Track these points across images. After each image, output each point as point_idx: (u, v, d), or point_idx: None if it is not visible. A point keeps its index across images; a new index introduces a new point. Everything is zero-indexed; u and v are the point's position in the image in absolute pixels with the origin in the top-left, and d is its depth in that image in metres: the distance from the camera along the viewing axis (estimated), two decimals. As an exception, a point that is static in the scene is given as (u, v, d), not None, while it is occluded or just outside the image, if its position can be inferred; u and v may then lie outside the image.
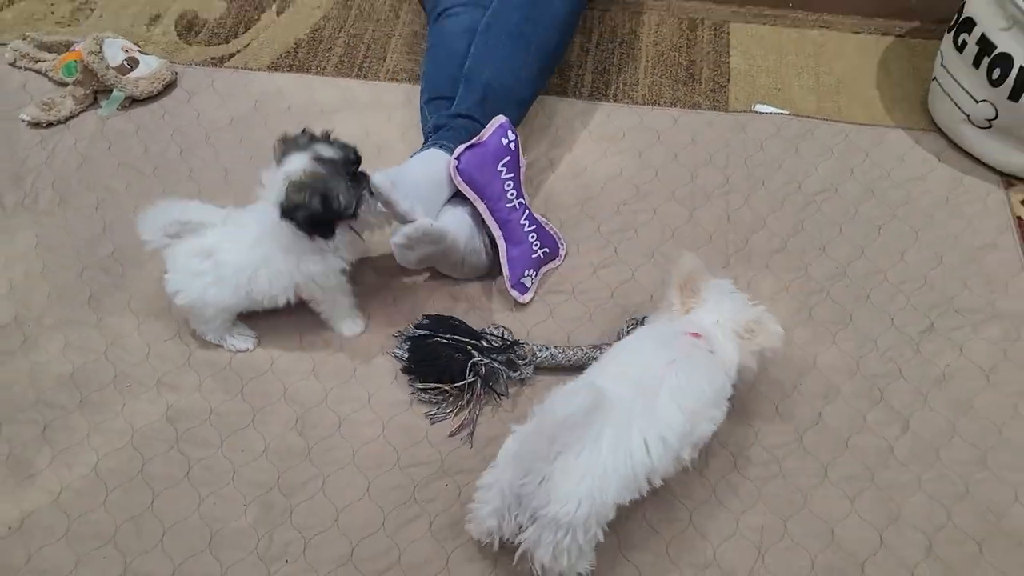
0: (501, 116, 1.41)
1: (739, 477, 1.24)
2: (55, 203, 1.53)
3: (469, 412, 1.29)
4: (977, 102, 1.56)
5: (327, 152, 1.21)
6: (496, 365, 1.28)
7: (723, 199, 1.56)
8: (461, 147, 1.38)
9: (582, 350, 1.32)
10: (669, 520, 1.20)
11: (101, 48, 1.62)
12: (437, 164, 1.38)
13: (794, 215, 1.54)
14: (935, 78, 1.66)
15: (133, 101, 1.67)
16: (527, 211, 1.43)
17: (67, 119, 1.64)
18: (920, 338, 1.39)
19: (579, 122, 1.68)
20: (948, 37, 1.62)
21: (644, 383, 1.08)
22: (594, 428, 1.01)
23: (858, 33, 1.86)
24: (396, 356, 1.34)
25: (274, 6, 1.87)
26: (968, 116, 1.59)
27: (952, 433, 1.29)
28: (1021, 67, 1.46)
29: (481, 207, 1.39)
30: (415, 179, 1.33)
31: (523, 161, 1.44)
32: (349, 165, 1.23)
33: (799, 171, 1.61)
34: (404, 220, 1.30)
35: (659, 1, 1.91)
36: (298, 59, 1.77)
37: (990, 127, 1.57)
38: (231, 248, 1.26)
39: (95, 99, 1.67)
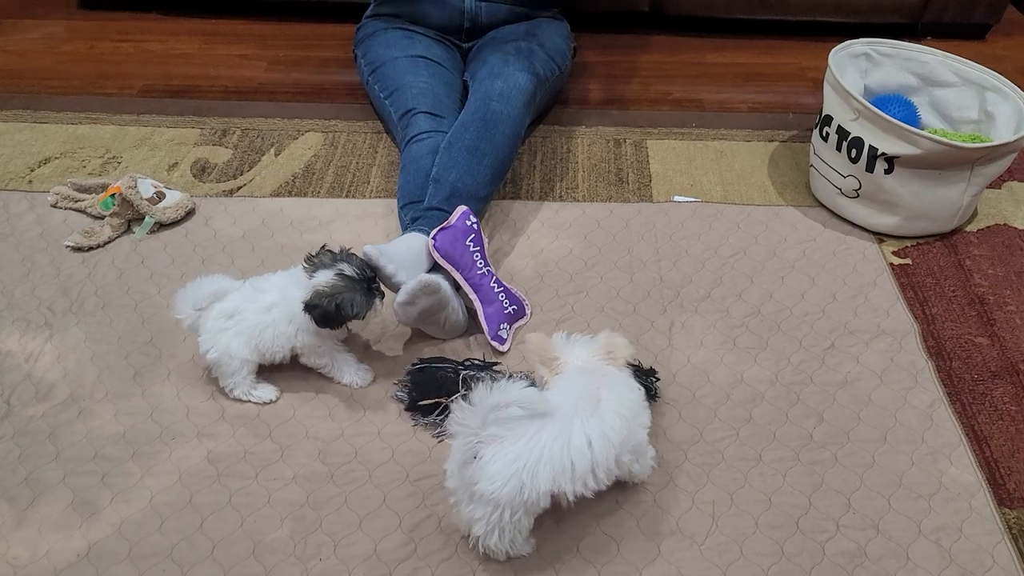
0: (463, 206, 1.78)
1: (690, 465, 1.51)
2: (99, 307, 1.81)
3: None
4: (844, 177, 1.97)
5: (348, 270, 1.53)
6: (482, 375, 1.56)
7: (655, 265, 1.92)
8: (435, 230, 1.72)
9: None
10: (636, 502, 1.45)
11: (136, 184, 1.96)
12: (416, 241, 1.71)
13: (713, 273, 1.89)
14: (812, 165, 2.09)
15: (161, 226, 1.99)
16: (495, 277, 1.76)
17: (105, 243, 1.95)
18: (824, 354, 1.71)
19: (532, 217, 2.04)
20: (816, 132, 2.05)
21: (584, 395, 1.28)
22: (534, 422, 1.20)
23: (749, 141, 2.31)
24: (399, 398, 1.61)
25: (272, 150, 2.25)
26: (840, 189, 2.00)
27: (857, 420, 1.59)
28: (870, 146, 1.89)
29: (457, 276, 1.72)
30: (399, 251, 1.66)
31: (485, 239, 1.79)
32: (366, 280, 1.55)
33: (714, 241, 1.98)
34: (389, 284, 1.62)
35: (588, 128, 2.35)
36: (296, 187, 2.13)
37: (857, 196, 1.97)
38: (249, 308, 1.56)
39: (128, 227, 1.99)
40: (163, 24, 2.83)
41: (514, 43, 2.16)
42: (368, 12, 2.36)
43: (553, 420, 1.22)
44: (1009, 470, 1.51)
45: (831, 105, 1.98)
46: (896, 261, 1.93)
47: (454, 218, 1.77)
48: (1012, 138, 1.84)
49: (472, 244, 1.76)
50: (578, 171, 2.20)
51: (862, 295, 1.84)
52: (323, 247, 1.58)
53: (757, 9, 2.70)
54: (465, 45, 2.27)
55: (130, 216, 1.98)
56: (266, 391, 1.61)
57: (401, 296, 1.60)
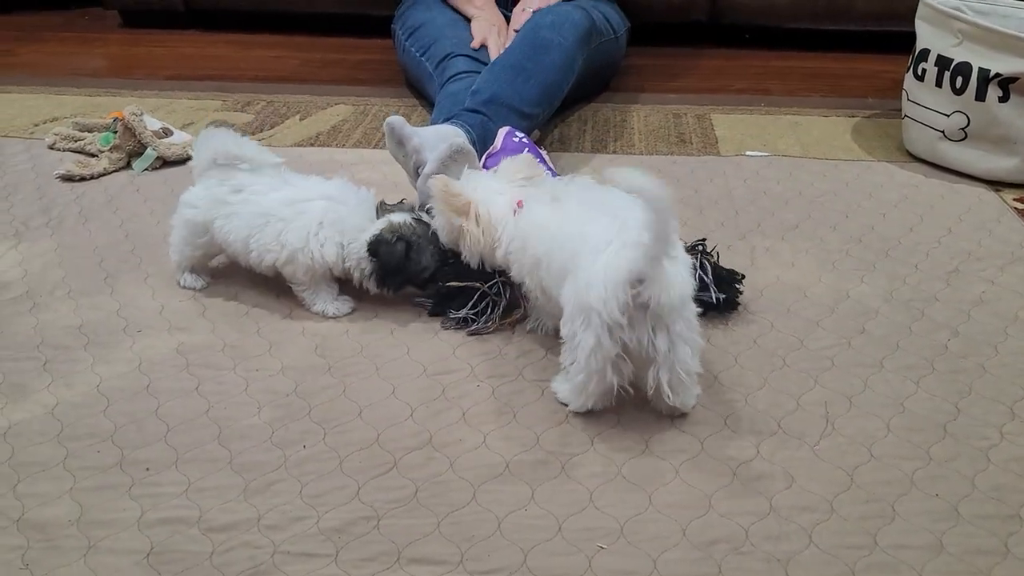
0: (504, 126, 1.53)
1: (791, 371, 1.16)
2: (80, 222, 1.56)
3: (500, 318, 1.25)
4: (948, 116, 1.70)
5: (428, 221, 1.26)
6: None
7: (728, 201, 1.63)
8: (483, 157, 1.47)
9: None
10: (723, 402, 1.10)
11: (142, 114, 1.76)
12: (446, 128, 1.47)
13: (800, 209, 1.60)
14: (906, 115, 1.82)
15: (164, 163, 1.77)
16: None
17: (100, 175, 1.72)
18: (948, 276, 1.38)
19: (583, 165, 1.78)
20: (908, 75, 1.80)
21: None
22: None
23: (827, 117, 2.06)
24: (420, 303, 1.30)
25: (297, 116, 2.06)
26: (943, 132, 1.72)
27: (1005, 335, 1.23)
28: (980, 68, 1.63)
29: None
30: (427, 132, 1.42)
31: (543, 151, 1.53)
32: (435, 246, 1.26)
33: (794, 187, 1.69)
34: (412, 161, 1.38)
35: (644, 105, 2.13)
36: (319, 141, 1.92)
37: (966, 137, 1.69)
38: (265, 192, 1.27)
39: (128, 163, 1.77)
40: (201, 36, 2.75)
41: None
42: (409, -9, 2.23)
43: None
44: None
45: (926, 39, 1.74)
46: (1020, 206, 1.62)
47: (499, 141, 1.53)
48: None
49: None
50: (634, 135, 1.95)
51: (984, 229, 1.52)
52: (401, 200, 1.34)
53: (823, 18, 2.52)
54: (511, 12, 2.10)
55: (131, 148, 1.76)
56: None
57: (431, 166, 1.33)
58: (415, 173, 1.41)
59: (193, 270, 1.35)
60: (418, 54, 1.99)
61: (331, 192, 1.28)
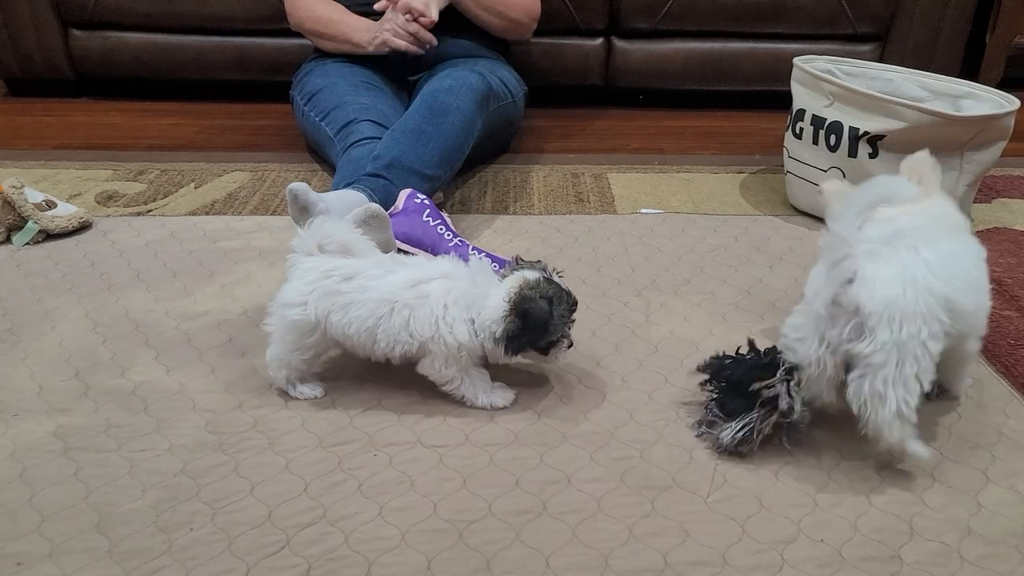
0: (406, 189, 1.55)
1: (683, 425, 1.18)
2: (-46, 301, 1.49)
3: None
4: (826, 171, 1.79)
5: (558, 280, 1.19)
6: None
7: (624, 258, 1.66)
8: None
9: None
10: (620, 459, 1.11)
11: (23, 186, 1.70)
12: (349, 194, 1.47)
13: (692, 264, 1.65)
14: (788, 171, 1.91)
15: (47, 237, 1.71)
16: (472, 245, 1.52)
17: (-23, 251, 1.65)
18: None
19: (484, 227, 1.80)
20: (788, 133, 1.90)
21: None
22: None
23: (717, 174, 2.14)
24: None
25: (192, 184, 2.03)
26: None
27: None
28: (850, 127, 1.73)
29: (429, 257, 1.46)
30: (330, 197, 1.41)
31: (445, 215, 1.54)
32: (569, 305, 1.18)
33: (689, 241, 1.74)
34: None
35: (544, 165, 2.17)
36: (215, 209, 1.88)
37: (842, 191, 1.78)
38: (382, 276, 1.16)
39: (8, 237, 1.70)
40: (93, 104, 2.68)
41: (463, 62, 2.03)
42: (309, 58, 2.24)
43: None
44: (1080, 421, 1.21)
45: (801, 99, 1.85)
46: (894, 255, 1.70)
47: (400, 202, 1.55)
48: (998, 111, 1.70)
49: (431, 219, 1.52)
50: (534, 195, 1.99)
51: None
52: (516, 257, 1.24)
53: (712, 80, 2.64)
54: (411, 78, 2.13)
55: (11, 222, 1.70)
56: (311, 387, 1.24)
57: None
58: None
59: (304, 379, 1.23)
60: (318, 119, 1.99)
61: (447, 269, 1.18)
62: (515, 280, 1.15)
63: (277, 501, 1.03)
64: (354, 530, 0.99)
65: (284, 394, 1.23)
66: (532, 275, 1.16)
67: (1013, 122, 1.74)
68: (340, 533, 0.99)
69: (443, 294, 1.14)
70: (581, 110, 2.67)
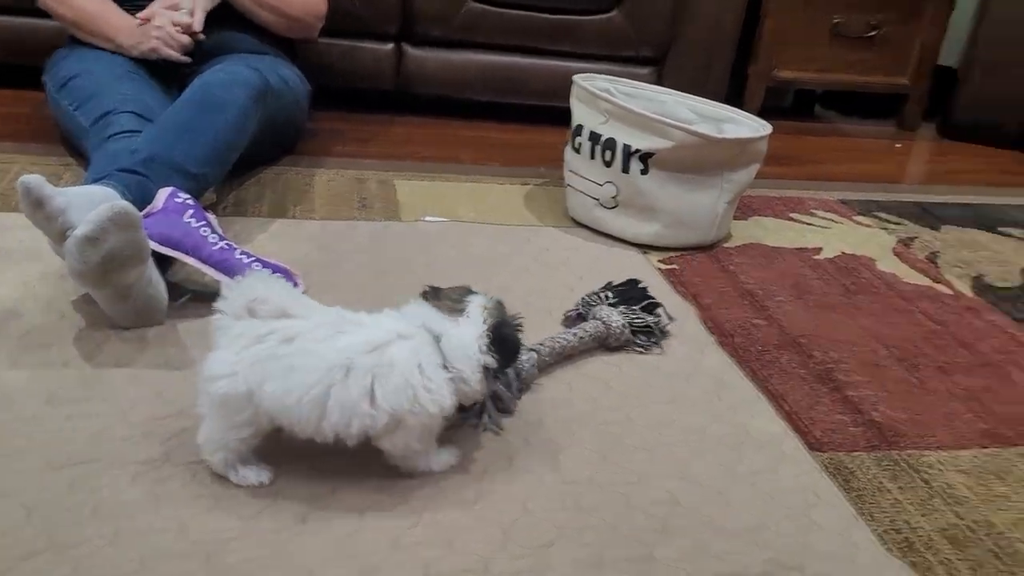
0: (166, 187, 1.45)
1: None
2: None
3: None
4: (601, 185, 1.87)
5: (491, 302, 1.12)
6: None
7: (406, 265, 1.65)
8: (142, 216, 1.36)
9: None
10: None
11: None
12: (96, 190, 1.35)
13: (473, 273, 1.65)
14: (568, 184, 1.98)
15: None
16: (240, 249, 1.42)
17: None
18: (601, 333, 1.49)
19: (260, 231, 1.72)
20: (568, 148, 1.96)
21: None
22: None
23: (503, 184, 2.18)
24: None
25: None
26: (598, 200, 1.88)
27: (647, 386, 1.35)
28: (624, 145, 1.81)
29: (189, 260, 1.36)
30: (73, 191, 1.29)
31: (211, 216, 1.45)
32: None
33: (470, 250, 1.76)
34: (55, 225, 1.23)
35: (328, 169, 2.11)
36: (-53, 202, 1.67)
37: (616, 205, 1.86)
38: (330, 336, 1.00)
39: None
40: None
41: (241, 58, 1.93)
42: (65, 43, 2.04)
43: None
44: (811, 420, 1.33)
45: (580, 115, 1.91)
46: (663, 267, 1.81)
47: (159, 201, 1.44)
48: (754, 135, 1.85)
49: (194, 220, 1.41)
50: (315, 199, 1.93)
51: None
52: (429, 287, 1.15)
53: (506, 92, 2.69)
54: (186, 71, 1.99)
55: None
56: (256, 473, 1.04)
57: (84, 227, 1.18)
58: (61, 237, 1.26)
59: (244, 461, 1.03)
60: (71, 108, 1.82)
61: (399, 328, 1.04)
62: (476, 307, 1.08)
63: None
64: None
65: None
66: (480, 300, 1.10)
67: (766, 146, 1.90)
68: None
69: (411, 357, 1.01)
70: (377, 115, 2.63)
